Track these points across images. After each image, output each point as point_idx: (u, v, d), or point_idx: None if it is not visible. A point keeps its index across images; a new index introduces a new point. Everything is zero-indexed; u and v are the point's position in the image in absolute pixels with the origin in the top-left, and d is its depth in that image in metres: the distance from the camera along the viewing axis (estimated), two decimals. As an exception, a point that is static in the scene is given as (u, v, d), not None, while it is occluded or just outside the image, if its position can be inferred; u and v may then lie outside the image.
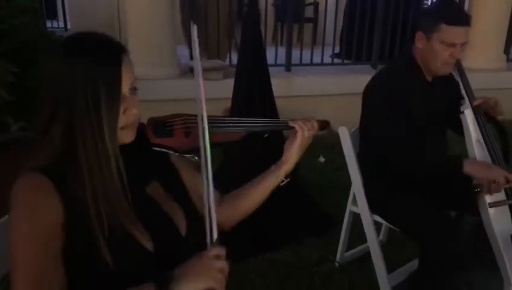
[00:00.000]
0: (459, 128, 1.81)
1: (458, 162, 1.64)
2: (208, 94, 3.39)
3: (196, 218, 1.00)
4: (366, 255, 2.13)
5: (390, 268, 1.98)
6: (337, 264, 2.18)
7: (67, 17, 6.73)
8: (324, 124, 1.19)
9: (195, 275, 0.85)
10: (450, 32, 1.64)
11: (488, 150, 1.72)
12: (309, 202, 2.61)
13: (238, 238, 1.26)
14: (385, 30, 4.21)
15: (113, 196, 0.87)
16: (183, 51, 4.20)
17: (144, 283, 0.85)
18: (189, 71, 3.89)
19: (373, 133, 1.80)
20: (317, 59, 4.22)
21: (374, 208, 1.90)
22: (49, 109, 0.87)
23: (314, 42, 4.55)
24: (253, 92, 2.48)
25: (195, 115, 0.98)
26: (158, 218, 0.97)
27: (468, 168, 1.62)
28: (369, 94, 1.82)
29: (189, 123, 1.00)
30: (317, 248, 2.30)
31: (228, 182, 1.26)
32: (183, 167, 1.10)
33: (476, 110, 1.75)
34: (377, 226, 1.97)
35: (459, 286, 1.87)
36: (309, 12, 6.05)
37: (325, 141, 3.71)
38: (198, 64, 0.95)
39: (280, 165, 1.13)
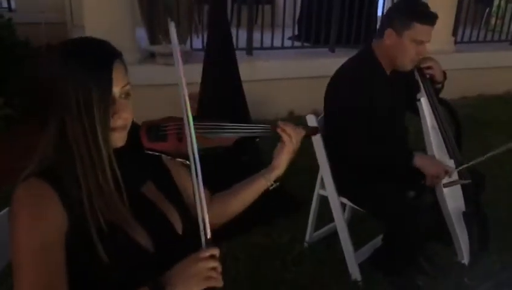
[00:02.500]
0: (416, 110, 1.94)
1: (409, 156, 1.79)
2: (170, 80, 3.36)
3: (190, 217, 1.03)
4: (333, 235, 2.26)
5: (355, 245, 2.12)
6: (306, 245, 2.30)
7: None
8: (313, 131, 1.25)
9: (188, 279, 0.87)
10: (421, 31, 1.76)
11: (442, 135, 1.87)
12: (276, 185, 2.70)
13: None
14: (342, 14, 4.31)
15: (108, 195, 0.90)
16: (142, 33, 4.11)
17: (139, 288, 0.87)
18: (149, 56, 3.83)
19: (336, 123, 1.90)
20: (277, 41, 4.26)
21: (340, 190, 2.02)
22: (43, 113, 0.90)
23: (273, 24, 4.58)
24: (223, 76, 2.50)
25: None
26: (155, 217, 1.00)
27: (417, 161, 1.78)
28: (333, 92, 1.91)
29: (182, 128, 1.01)
30: (286, 229, 2.40)
31: (216, 183, 1.30)
32: (174, 168, 1.13)
33: (431, 97, 1.89)
34: (342, 206, 2.08)
35: (418, 259, 2.03)
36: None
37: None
38: (181, 73, 0.95)
39: (271, 169, 1.18)
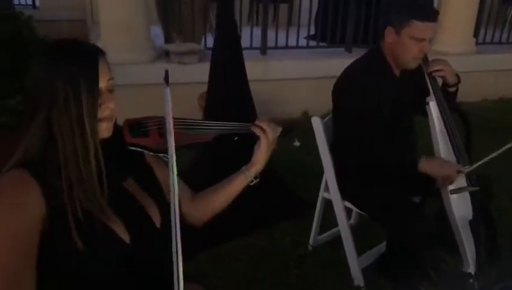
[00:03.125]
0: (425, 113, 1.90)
1: (414, 162, 1.74)
2: (183, 78, 3.41)
3: (169, 213, 1.05)
4: (338, 239, 2.22)
5: (360, 250, 2.08)
6: (310, 248, 2.27)
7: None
8: (291, 126, 1.27)
9: None
10: (420, 28, 1.70)
11: (450, 140, 1.82)
12: (282, 186, 2.68)
13: (212, 223, 1.34)
14: (359, 14, 4.24)
15: (88, 185, 0.94)
16: (157, 31, 4.14)
17: None
18: (165, 54, 3.85)
19: (343, 130, 1.87)
20: (292, 40, 4.22)
21: (344, 194, 1.98)
22: (31, 106, 0.95)
23: (289, 23, 4.55)
24: (229, 75, 2.49)
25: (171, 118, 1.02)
26: (134, 211, 1.04)
27: (423, 166, 1.72)
28: (339, 93, 1.88)
29: (163, 124, 1.04)
30: (290, 232, 2.38)
31: (200, 181, 1.31)
32: (158, 167, 1.16)
33: (440, 101, 1.84)
34: (348, 210, 2.05)
35: (423, 266, 1.98)
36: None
37: (300, 125, 3.78)
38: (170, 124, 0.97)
39: (250, 165, 1.21)
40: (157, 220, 1.06)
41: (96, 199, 0.95)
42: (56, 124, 0.92)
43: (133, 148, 1.05)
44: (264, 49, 4.09)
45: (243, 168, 1.22)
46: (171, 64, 3.68)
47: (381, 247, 2.15)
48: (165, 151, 1.02)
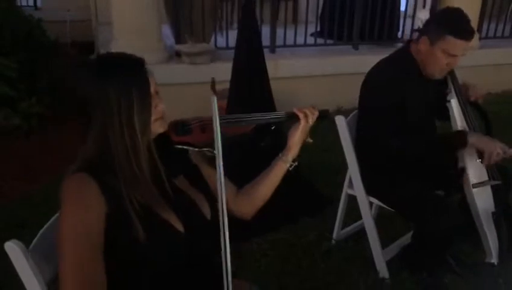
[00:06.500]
0: (443, 115, 1.97)
1: (463, 135, 1.80)
2: (196, 78, 3.47)
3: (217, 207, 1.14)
4: (360, 232, 2.30)
5: (381, 243, 2.15)
6: (334, 242, 2.34)
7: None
8: (324, 113, 1.34)
9: None
10: (454, 44, 1.77)
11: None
12: (303, 183, 2.74)
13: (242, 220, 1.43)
14: (365, 10, 4.30)
15: (143, 183, 1.04)
16: (166, 30, 4.17)
17: None
18: (175, 54, 3.89)
19: (368, 128, 1.94)
20: (299, 38, 4.27)
21: (369, 190, 2.05)
22: (86, 116, 1.04)
23: (294, 21, 4.59)
24: (251, 73, 2.54)
25: (210, 117, 1.10)
26: (186, 204, 1.13)
27: (472, 139, 1.78)
28: (365, 91, 1.95)
29: (204, 122, 1.17)
30: (313, 227, 2.44)
31: (241, 176, 1.37)
32: (203, 165, 1.25)
33: (461, 99, 1.92)
34: (369, 204, 2.11)
35: (446, 258, 2.05)
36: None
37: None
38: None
39: (287, 150, 1.28)
40: (207, 213, 1.15)
41: (150, 193, 1.04)
42: (110, 129, 1.02)
43: (179, 146, 1.15)
44: (273, 47, 4.14)
45: (280, 154, 1.29)
46: (182, 65, 3.72)
47: (404, 240, 2.22)
48: (209, 145, 1.12)
